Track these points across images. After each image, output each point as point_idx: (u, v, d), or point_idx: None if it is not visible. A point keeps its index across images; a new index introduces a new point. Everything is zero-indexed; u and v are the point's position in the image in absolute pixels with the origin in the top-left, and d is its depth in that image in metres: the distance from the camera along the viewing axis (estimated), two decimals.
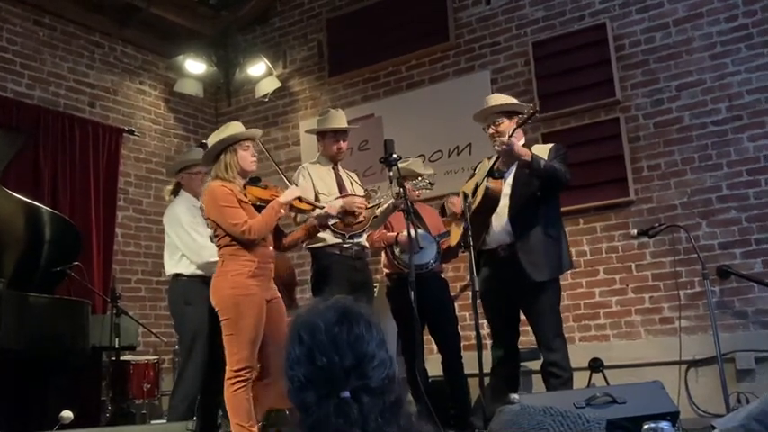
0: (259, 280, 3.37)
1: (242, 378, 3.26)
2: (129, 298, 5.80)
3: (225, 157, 3.47)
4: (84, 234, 5.08)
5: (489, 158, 3.78)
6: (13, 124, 5.32)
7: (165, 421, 4.24)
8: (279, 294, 3.55)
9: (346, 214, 3.94)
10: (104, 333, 4.73)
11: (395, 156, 3.61)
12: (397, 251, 4.39)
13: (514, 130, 3.51)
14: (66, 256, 4.54)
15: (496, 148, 3.53)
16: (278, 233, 3.86)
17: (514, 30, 5.78)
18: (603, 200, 5.22)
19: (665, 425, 1.82)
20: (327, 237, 4.01)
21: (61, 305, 4.38)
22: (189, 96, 6.88)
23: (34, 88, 5.71)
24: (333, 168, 4.20)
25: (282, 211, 3.47)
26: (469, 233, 3.59)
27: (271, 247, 3.50)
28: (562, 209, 5.17)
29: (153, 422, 4.84)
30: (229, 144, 3.48)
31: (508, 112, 3.69)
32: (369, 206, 4.04)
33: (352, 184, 4.23)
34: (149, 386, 4.99)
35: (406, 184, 3.83)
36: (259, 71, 6.80)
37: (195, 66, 6.74)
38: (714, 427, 2.14)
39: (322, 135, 4.25)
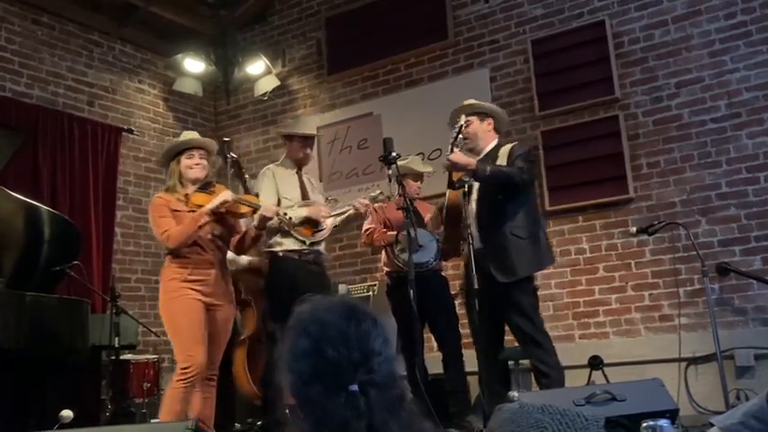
0: (194, 285, 3.42)
1: (184, 377, 3.29)
2: (128, 297, 5.80)
3: (171, 164, 3.60)
4: (83, 233, 5.08)
5: None
6: (11, 124, 5.31)
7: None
8: (224, 303, 3.57)
9: (310, 222, 3.99)
10: (104, 332, 4.73)
11: (394, 154, 3.61)
12: (397, 250, 4.39)
13: (451, 147, 3.58)
14: (66, 256, 4.54)
15: (442, 166, 3.60)
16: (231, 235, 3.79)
17: (513, 27, 5.78)
18: (603, 197, 5.22)
19: (663, 423, 1.82)
20: (287, 242, 4.02)
21: (61, 304, 4.37)
22: (188, 95, 6.88)
23: (33, 87, 5.71)
24: (297, 173, 4.23)
25: (207, 218, 3.46)
26: (469, 231, 3.61)
27: (211, 253, 3.52)
28: (562, 206, 5.22)
29: (153, 421, 4.84)
30: (177, 152, 3.59)
31: (479, 113, 3.78)
32: (331, 214, 4.11)
33: (312, 190, 4.27)
34: (149, 385, 4.99)
35: (363, 198, 4.05)
36: (258, 70, 6.80)
37: (194, 64, 6.74)
38: (713, 425, 2.13)
39: (290, 139, 4.28)
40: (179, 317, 3.38)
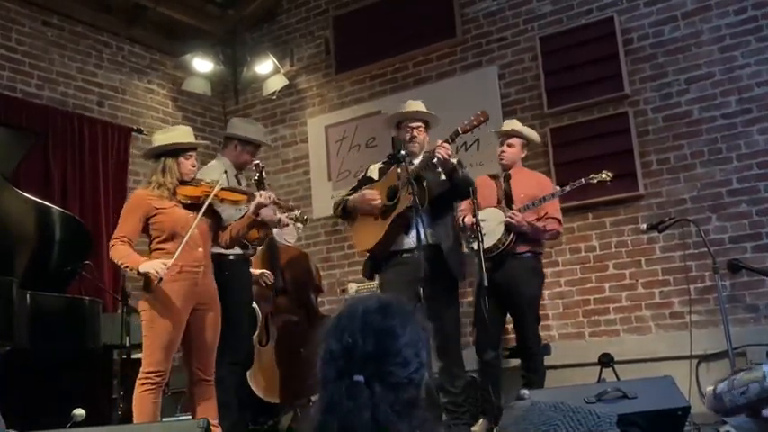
0: (180, 285, 3.33)
1: (150, 381, 3.26)
2: (139, 296, 5.81)
3: (167, 160, 3.43)
4: (94, 233, 5.11)
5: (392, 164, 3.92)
6: (22, 124, 5.34)
7: (176, 418, 4.28)
8: (211, 302, 3.48)
9: (263, 224, 3.93)
10: (115, 331, 4.74)
11: (403, 152, 3.62)
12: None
13: (451, 139, 3.75)
14: (77, 255, 4.57)
15: (443, 156, 3.68)
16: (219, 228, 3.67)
17: (522, 24, 5.76)
18: (612, 194, 5.18)
19: None
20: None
21: (72, 304, 4.40)
22: (197, 95, 6.90)
23: (43, 88, 5.74)
24: (236, 176, 4.22)
25: (137, 269, 3.31)
26: (479, 229, 3.61)
27: (200, 249, 3.40)
28: (573, 203, 5.21)
29: (164, 420, 4.87)
30: (178, 150, 3.45)
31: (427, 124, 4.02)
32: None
33: None
34: None
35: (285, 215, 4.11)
36: (266, 69, 6.81)
37: (203, 64, 6.76)
38: (725, 422, 2.13)
39: (242, 143, 4.23)
40: (160, 320, 3.29)
